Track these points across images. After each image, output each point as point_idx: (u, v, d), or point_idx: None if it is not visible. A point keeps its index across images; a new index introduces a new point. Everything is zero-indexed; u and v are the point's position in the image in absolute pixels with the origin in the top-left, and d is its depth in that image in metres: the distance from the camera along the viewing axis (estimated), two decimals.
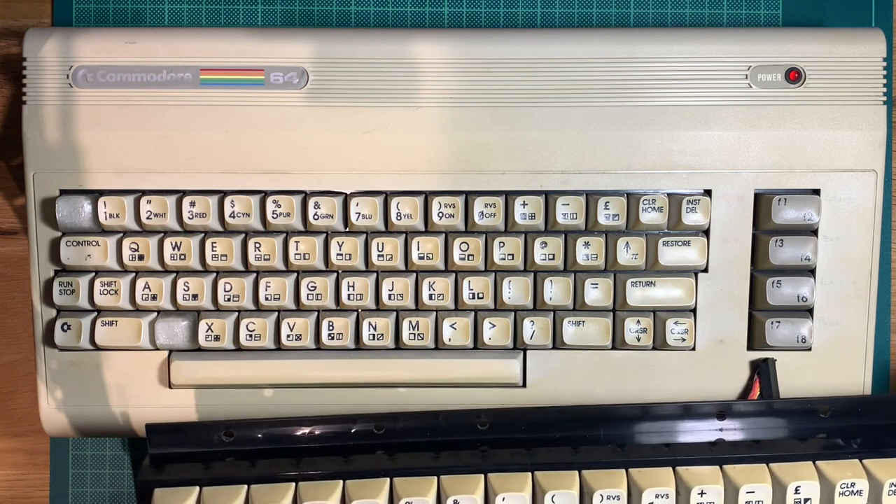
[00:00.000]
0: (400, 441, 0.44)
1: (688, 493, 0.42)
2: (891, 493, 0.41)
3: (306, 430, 0.44)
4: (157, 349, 0.49)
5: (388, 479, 0.43)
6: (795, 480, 0.41)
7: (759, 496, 0.42)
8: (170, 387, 0.49)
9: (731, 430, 0.44)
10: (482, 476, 0.43)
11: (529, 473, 0.43)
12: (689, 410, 0.44)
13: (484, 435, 0.44)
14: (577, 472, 0.43)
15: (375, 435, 0.44)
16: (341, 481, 0.42)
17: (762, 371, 0.48)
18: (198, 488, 0.42)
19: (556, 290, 0.48)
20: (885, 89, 0.48)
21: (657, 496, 0.42)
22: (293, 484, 0.42)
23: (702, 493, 0.42)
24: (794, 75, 0.48)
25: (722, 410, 0.44)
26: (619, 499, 0.42)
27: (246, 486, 0.42)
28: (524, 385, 0.49)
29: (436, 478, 0.43)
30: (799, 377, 0.49)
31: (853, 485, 0.41)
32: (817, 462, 0.42)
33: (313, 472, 0.42)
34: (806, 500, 0.42)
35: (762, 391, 0.47)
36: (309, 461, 0.43)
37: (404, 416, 0.44)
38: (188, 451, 0.44)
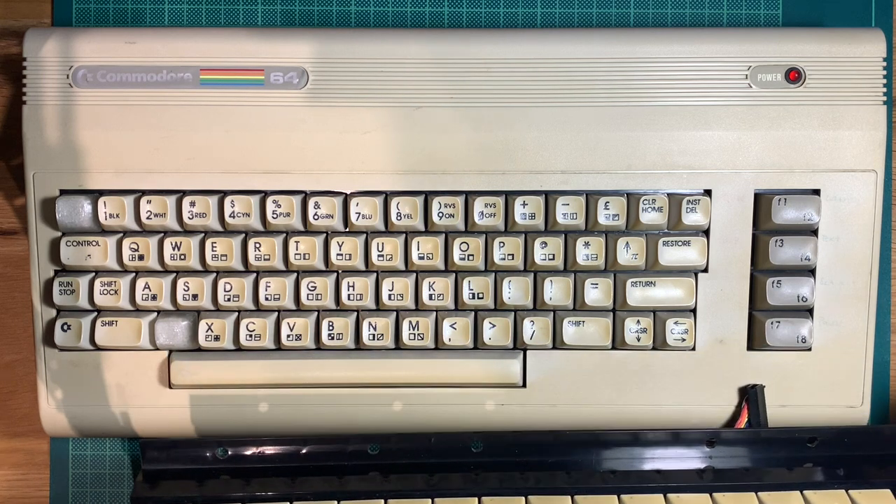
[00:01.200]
0: (393, 462, 0.44)
1: None
2: None
3: (301, 448, 0.44)
4: (157, 349, 0.49)
5: (382, 502, 0.43)
6: None
7: None
8: (170, 387, 0.49)
9: (720, 458, 0.44)
10: (476, 500, 0.43)
11: (523, 498, 0.43)
12: (680, 437, 0.44)
13: (477, 458, 0.44)
14: (569, 498, 0.43)
15: (369, 455, 0.44)
16: (335, 502, 0.42)
17: (751, 398, 0.48)
18: None
19: (556, 290, 0.48)
20: (885, 89, 0.48)
21: None
22: None
23: None
24: (794, 75, 0.48)
25: (711, 438, 0.44)
26: None
27: None
28: (524, 385, 0.49)
29: (430, 500, 0.43)
30: (799, 378, 0.49)
31: None
32: (805, 492, 0.43)
33: (308, 493, 0.42)
34: None
35: (750, 418, 0.48)
36: (303, 480, 0.43)
37: (398, 437, 0.44)
38: (182, 468, 0.43)
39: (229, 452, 0.43)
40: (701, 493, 0.43)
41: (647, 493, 0.43)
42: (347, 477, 0.43)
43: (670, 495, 0.43)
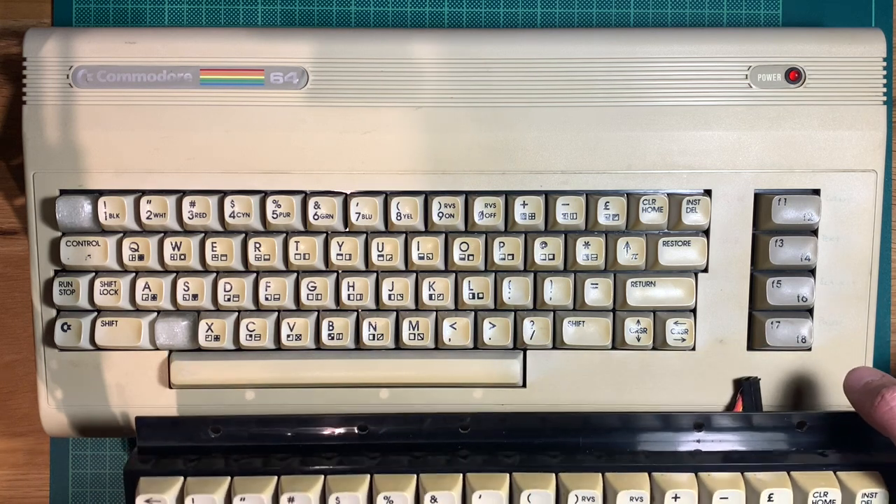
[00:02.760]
0: (382, 443, 0.45)
1: (662, 497, 0.42)
2: (863, 503, 0.42)
3: (292, 428, 0.45)
4: (157, 349, 0.49)
5: (367, 476, 0.43)
6: (769, 488, 0.42)
7: (732, 502, 0.42)
8: (170, 387, 0.49)
9: (708, 442, 0.44)
10: (460, 475, 0.43)
11: (507, 474, 0.43)
12: (668, 421, 0.44)
13: (465, 439, 0.45)
14: (553, 475, 0.43)
15: (359, 436, 0.45)
16: (322, 476, 0.43)
17: (745, 390, 0.48)
18: (182, 478, 0.43)
19: (556, 290, 0.48)
20: (885, 89, 0.48)
21: (632, 498, 0.42)
22: (276, 477, 0.43)
23: (676, 497, 0.42)
24: (794, 75, 0.48)
25: (700, 422, 0.44)
26: (594, 500, 0.42)
27: (229, 478, 0.43)
28: (524, 385, 0.49)
29: (415, 475, 0.43)
30: (799, 377, 0.49)
31: (826, 494, 0.42)
32: (792, 473, 0.43)
33: (294, 468, 0.44)
34: None
35: (745, 409, 0.47)
36: (293, 458, 0.44)
37: (388, 419, 0.45)
38: (176, 446, 0.44)
39: (222, 431, 0.44)
40: (687, 472, 0.43)
41: (632, 471, 0.43)
42: (336, 455, 0.44)
43: (655, 474, 0.43)
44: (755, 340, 0.49)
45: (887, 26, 0.52)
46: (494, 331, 0.48)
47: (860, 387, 0.42)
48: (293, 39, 0.48)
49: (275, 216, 0.48)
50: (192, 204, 0.48)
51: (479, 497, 0.42)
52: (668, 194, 0.48)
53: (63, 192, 0.48)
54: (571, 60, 0.48)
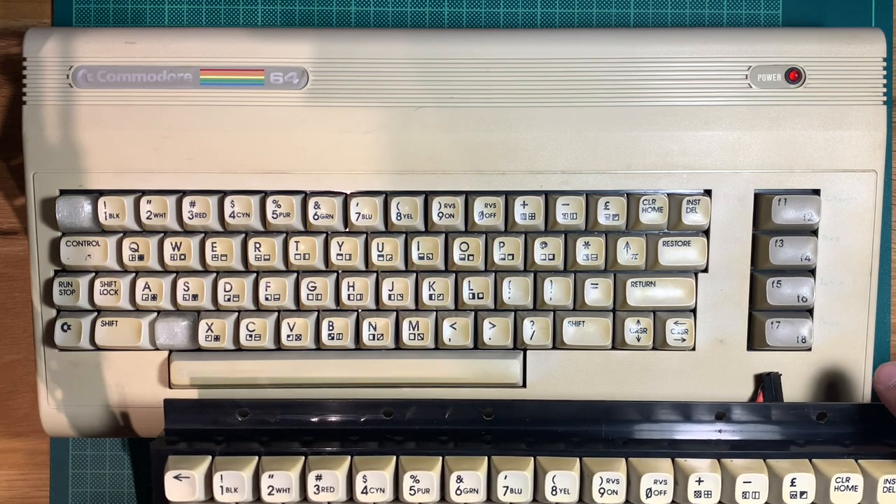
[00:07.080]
0: (407, 428, 0.45)
1: (685, 481, 0.43)
2: (885, 489, 0.42)
3: (319, 413, 0.45)
4: (157, 349, 0.49)
5: (394, 457, 0.44)
6: (791, 473, 0.42)
7: (755, 486, 0.43)
8: (170, 387, 0.49)
9: (729, 432, 0.45)
10: (485, 457, 0.44)
11: (532, 458, 0.44)
12: (690, 410, 0.45)
13: (489, 426, 0.45)
14: (577, 459, 0.44)
15: (384, 420, 0.45)
16: (349, 456, 0.44)
17: (766, 385, 0.48)
18: (210, 456, 0.44)
19: (556, 290, 0.48)
20: (885, 89, 0.48)
21: (655, 482, 0.43)
22: (303, 457, 0.44)
23: (699, 481, 0.43)
24: (794, 75, 0.48)
25: (722, 412, 0.45)
26: (618, 482, 0.43)
27: (258, 457, 0.44)
28: (524, 385, 0.49)
29: (440, 457, 0.44)
30: (799, 377, 0.49)
31: (848, 479, 0.42)
32: (813, 459, 0.43)
33: (323, 449, 0.44)
34: (802, 493, 0.42)
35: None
36: (319, 440, 0.45)
37: (413, 405, 0.45)
38: (203, 429, 0.45)
39: (249, 415, 0.45)
40: (710, 458, 0.44)
41: (655, 457, 0.44)
42: (362, 440, 0.45)
43: (678, 459, 0.44)
44: (755, 340, 0.49)
45: (887, 26, 0.52)
46: (494, 331, 0.48)
47: (893, 384, 0.42)
48: (293, 39, 0.48)
49: (275, 216, 0.48)
50: (192, 204, 0.48)
51: (505, 478, 0.43)
52: (668, 194, 0.48)
53: (63, 192, 0.48)
54: (571, 60, 0.48)
